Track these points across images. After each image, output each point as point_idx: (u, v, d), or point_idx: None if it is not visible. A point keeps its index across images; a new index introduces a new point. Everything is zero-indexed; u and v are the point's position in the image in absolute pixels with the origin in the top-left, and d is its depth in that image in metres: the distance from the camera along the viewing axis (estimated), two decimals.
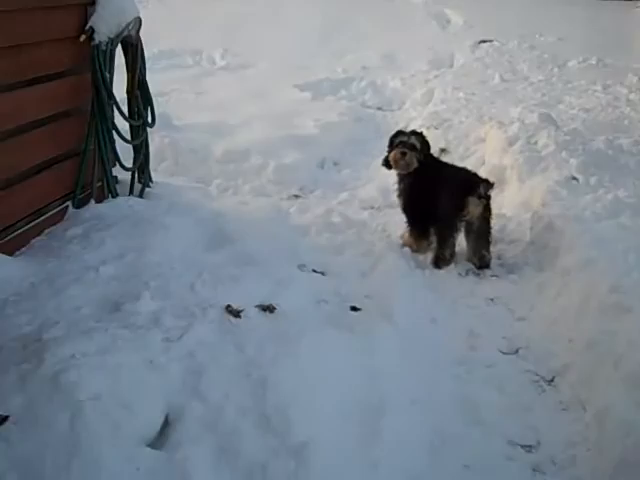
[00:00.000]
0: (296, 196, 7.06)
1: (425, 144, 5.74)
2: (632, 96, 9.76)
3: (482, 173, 6.88)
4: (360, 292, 4.68)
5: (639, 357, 3.56)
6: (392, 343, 4.08)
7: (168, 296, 3.93)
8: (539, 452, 3.51)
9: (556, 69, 11.29)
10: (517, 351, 4.35)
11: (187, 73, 11.98)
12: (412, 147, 5.59)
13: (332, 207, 6.43)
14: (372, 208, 6.72)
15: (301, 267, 4.96)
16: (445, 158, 7.23)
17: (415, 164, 5.57)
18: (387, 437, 3.29)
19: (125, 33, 5.35)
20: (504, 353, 4.35)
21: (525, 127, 7.08)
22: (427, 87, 10.74)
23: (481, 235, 5.39)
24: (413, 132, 5.87)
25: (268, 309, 4.06)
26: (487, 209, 5.36)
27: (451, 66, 12.05)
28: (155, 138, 7.40)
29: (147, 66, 5.91)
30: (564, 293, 4.56)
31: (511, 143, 6.87)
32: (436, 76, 11.30)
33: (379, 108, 10.70)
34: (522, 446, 3.55)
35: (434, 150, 7.23)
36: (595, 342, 3.92)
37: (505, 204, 6.24)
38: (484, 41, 12.66)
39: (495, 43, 12.57)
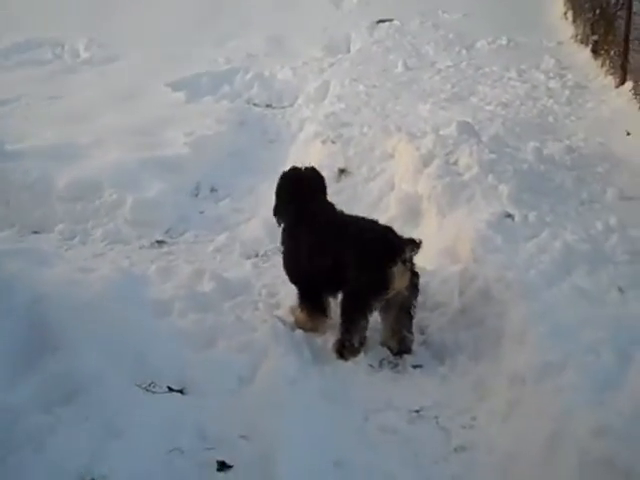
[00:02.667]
0: (160, 242, 5.60)
1: (319, 186, 4.37)
2: (552, 84, 8.59)
3: (391, 201, 5.64)
4: (233, 427, 3.28)
5: None
6: None
7: None
8: None
9: (464, 51, 10.02)
10: None
11: (44, 70, 10.24)
12: None
13: (204, 265, 4.99)
14: (257, 256, 5.34)
15: (151, 386, 3.51)
16: (346, 181, 5.92)
17: None
18: None
19: None
20: None
21: (441, 141, 5.75)
22: (322, 79, 9.34)
23: (403, 311, 4.03)
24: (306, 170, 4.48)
25: None
26: (414, 276, 4.02)
27: (348, 51, 10.64)
28: None
29: None
30: (518, 414, 3.25)
31: (426, 163, 5.55)
32: (331, 64, 9.89)
33: (268, 105, 9.26)
34: None
35: (331, 172, 5.96)
36: None
37: (423, 248, 4.90)
38: (382, 20, 11.27)
39: (395, 22, 11.20)
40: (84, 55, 11.03)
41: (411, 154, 5.73)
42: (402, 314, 4.02)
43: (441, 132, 5.96)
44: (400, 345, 4.04)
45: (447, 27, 10.98)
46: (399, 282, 3.90)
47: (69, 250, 5.49)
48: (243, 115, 8.36)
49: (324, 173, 5.59)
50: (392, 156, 6.04)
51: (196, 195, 6.42)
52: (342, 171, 6.04)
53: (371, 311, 3.98)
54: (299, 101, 9.12)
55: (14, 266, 4.38)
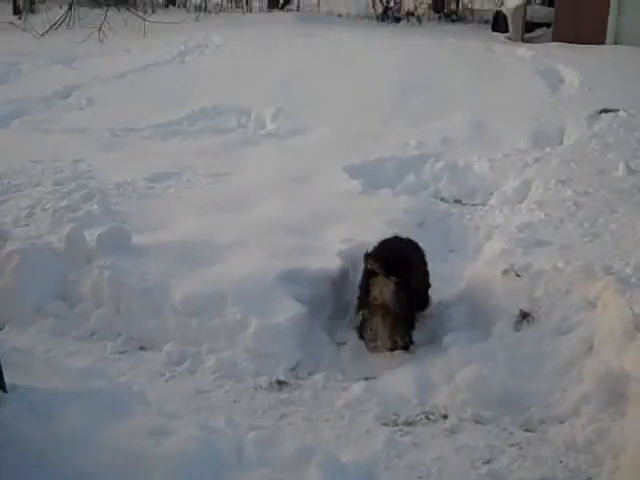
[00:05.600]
0: (280, 384, 4.47)
1: None
2: None
3: (585, 372, 4.18)
4: None
5: None
6: None
7: None
8: None
9: None
10: None
11: (222, 140, 9.58)
12: None
13: (321, 433, 3.83)
14: (396, 424, 4.06)
15: None
16: (528, 330, 4.54)
17: None
18: None
19: None
20: None
21: None
22: (523, 177, 7.92)
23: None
24: None
25: None
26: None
27: (560, 143, 9.16)
28: (93, 270, 5.04)
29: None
30: None
31: None
32: (537, 159, 8.42)
33: (457, 201, 8.00)
34: None
35: (510, 315, 4.62)
36: None
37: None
38: (607, 110, 9.70)
39: (621, 113, 9.59)
40: (270, 126, 10.33)
41: (620, 311, 4.24)
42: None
43: None
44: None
45: None
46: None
47: (171, 380, 4.50)
48: (424, 214, 7.14)
49: (500, 316, 4.33)
50: (594, 306, 4.56)
51: (342, 317, 5.27)
52: (525, 316, 4.64)
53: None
54: (492, 200, 7.79)
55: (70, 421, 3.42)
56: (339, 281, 5.34)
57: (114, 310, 5.01)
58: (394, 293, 4.63)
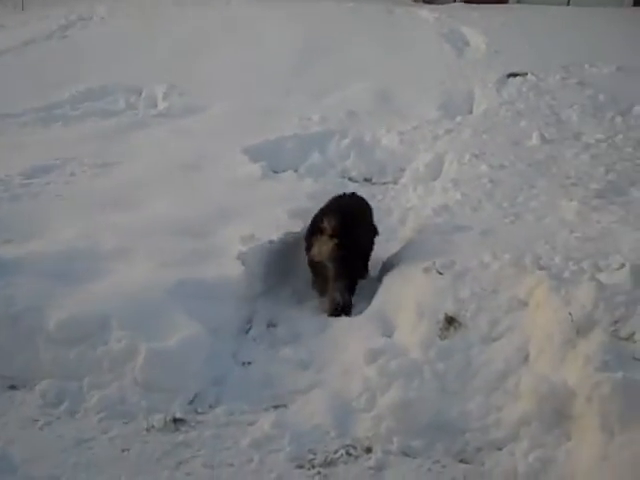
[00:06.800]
0: (177, 422, 3.82)
1: None
2: None
3: (523, 386, 3.69)
4: None
5: None
6: None
7: None
8: None
9: (619, 119, 7.91)
10: None
11: (111, 124, 8.73)
12: None
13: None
14: (312, 466, 3.49)
15: None
16: (455, 338, 4.04)
17: None
18: None
19: None
20: None
21: (606, 295, 3.75)
22: (435, 150, 7.44)
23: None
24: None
25: None
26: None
27: (470, 112, 8.71)
28: None
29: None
30: None
31: (582, 332, 3.59)
32: (448, 131, 7.95)
33: (367, 180, 7.52)
34: None
35: (433, 321, 4.11)
36: None
37: None
38: (515, 74, 9.28)
39: (530, 77, 9.18)
40: (162, 105, 9.51)
41: (556, 313, 3.76)
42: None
43: (603, 277, 3.97)
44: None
45: (596, 85, 8.88)
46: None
47: (46, 427, 3.80)
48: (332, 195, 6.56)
49: (423, 321, 3.83)
50: (525, 305, 4.08)
51: (246, 332, 4.65)
52: (450, 321, 4.12)
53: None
54: (405, 178, 7.30)
55: None
56: (241, 290, 4.70)
57: None
58: (334, 253, 4.70)
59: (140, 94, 9.86)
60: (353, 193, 5.52)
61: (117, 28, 12.52)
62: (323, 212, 4.93)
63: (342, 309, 4.77)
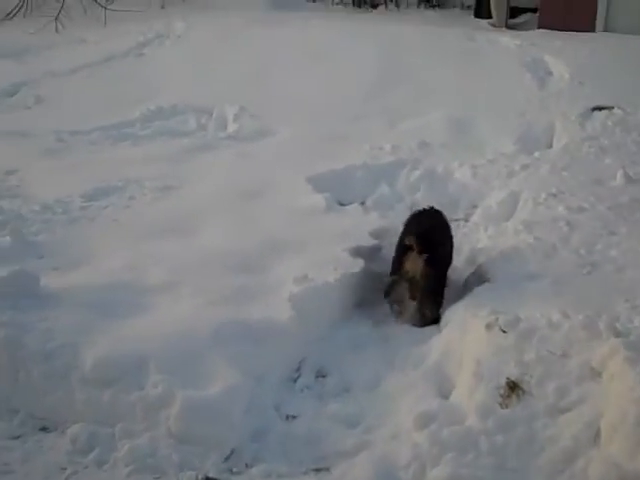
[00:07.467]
0: None
1: None
2: None
3: (591, 472, 3.28)
4: None
5: None
6: None
7: None
8: None
9: None
10: None
11: (177, 145, 8.59)
12: None
13: None
14: None
15: None
16: (517, 408, 3.65)
17: None
18: None
19: None
20: None
21: None
22: (509, 188, 7.01)
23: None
24: None
25: None
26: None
27: (549, 146, 8.25)
28: None
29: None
30: None
31: None
32: (525, 166, 7.51)
33: None
34: None
35: (493, 387, 3.73)
36: None
37: None
38: (600, 108, 8.78)
39: (616, 111, 8.67)
40: (231, 128, 9.33)
41: (632, 390, 3.35)
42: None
43: None
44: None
45: None
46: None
47: (72, 477, 3.58)
48: (397, 235, 6.20)
49: (482, 385, 3.47)
50: (598, 375, 3.67)
51: (294, 380, 4.36)
52: (513, 387, 3.74)
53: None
54: (476, 215, 6.89)
55: None
56: (290, 335, 4.41)
57: (12, 379, 4.06)
58: (424, 269, 4.82)
59: (211, 115, 9.72)
60: (432, 207, 5.49)
61: (192, 46, 12.47)
62: (409, 229, 5.09)
63: (432, 322, 4.91)
